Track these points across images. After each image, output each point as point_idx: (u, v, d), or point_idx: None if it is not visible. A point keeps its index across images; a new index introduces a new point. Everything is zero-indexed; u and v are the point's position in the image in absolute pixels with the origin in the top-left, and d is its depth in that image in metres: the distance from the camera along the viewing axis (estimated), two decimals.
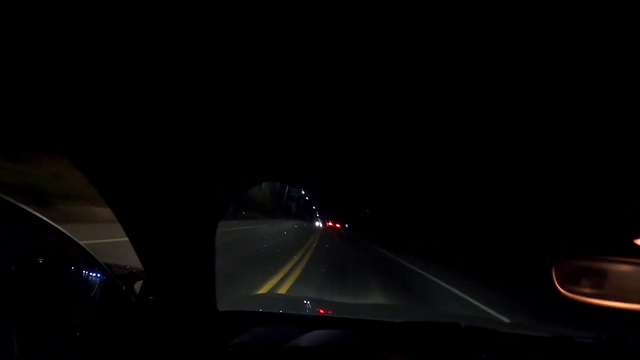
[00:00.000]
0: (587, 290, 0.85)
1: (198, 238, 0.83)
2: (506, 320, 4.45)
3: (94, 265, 0.95)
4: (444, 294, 6.51)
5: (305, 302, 1.42)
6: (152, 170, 0.74)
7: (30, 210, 0.80)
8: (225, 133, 0.72)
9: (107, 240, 3.64)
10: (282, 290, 4.42)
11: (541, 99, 0.62)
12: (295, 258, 7.63)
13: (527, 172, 0.86)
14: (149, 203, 0.77)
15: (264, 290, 4.15)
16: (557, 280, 0.84)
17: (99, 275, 0.95)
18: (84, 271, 0.96)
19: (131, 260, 0.97)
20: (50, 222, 0.85)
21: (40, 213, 0.83)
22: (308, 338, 0.95)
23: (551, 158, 0.81)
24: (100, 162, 0.74)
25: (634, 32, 0.44)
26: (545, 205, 0.87)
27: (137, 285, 0.94)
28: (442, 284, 7.53)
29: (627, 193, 0.82)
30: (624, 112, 0.61)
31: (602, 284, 0.84)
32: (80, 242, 0.92)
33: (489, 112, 0.68)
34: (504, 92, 0.62)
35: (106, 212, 1.03)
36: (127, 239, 0.86)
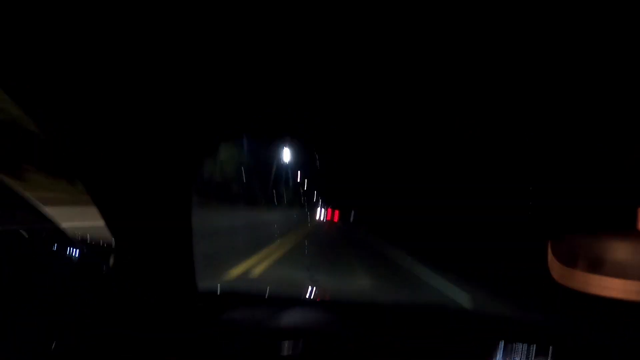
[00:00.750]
0: (585, 267, 0.81)
1: (169, 208, 0.78)
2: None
3: (67, 241, 0.91)
4: None
5: (291, 284, 1.40)
6: (108, 133, 0.70)
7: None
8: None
9: None
10: None
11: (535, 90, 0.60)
12: None
13: (530, 160, 0.82)
14: (110, 167, 0.73)
15: None
16: (555, 257, 0.79)
17: (72, 250, 0.91)
18: (57, 246, 0.92)
19: None
20: (26, 198, 0.82)
21: None
22: (291, 319, 0.92)
23: (552, 144, 0.77)
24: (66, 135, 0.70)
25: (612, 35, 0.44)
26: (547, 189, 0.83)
27: (113, 262, 0.90)
28: None
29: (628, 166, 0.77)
30: (622, 101, 0.59)
31: (603, 262, 0.80)
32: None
33: (485, 108, 0.66)
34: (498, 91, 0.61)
35: None
36: None
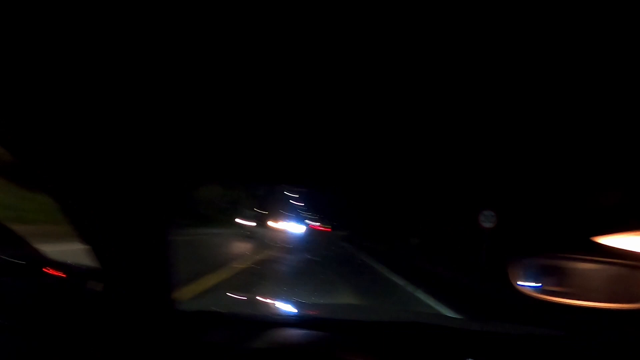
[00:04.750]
0: (548, 289, 0.84)
1: (147, 231, 0.81)
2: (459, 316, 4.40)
3: (48, 264, 0.93)
4: None
5: (271, 302, 1.40)
6: (92, 158, 0.72)
7: None
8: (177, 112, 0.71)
9: None
10: None
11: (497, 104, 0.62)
12: None
13: (488, 172, 0.86)
14: (92, 194, 0.75)
15: None
16: (514, 278, 0.83)
17: (52, 275, 0.93)
18: (37, 271, 0.94)
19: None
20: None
21: None
22: (272, 339, 0.93)
23: (509, 158, 0.81)
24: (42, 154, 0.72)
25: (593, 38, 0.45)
26: (506, 206, 0.87)
27: (92, 283, 0.91)
28: None
29: (585, 191, 0.82)
30: (583, 114, 0.61)
31: (563, 282, 0.84)
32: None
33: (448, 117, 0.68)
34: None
35: None
36: None
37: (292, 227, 20.81)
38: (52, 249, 1.09)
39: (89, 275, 0.96)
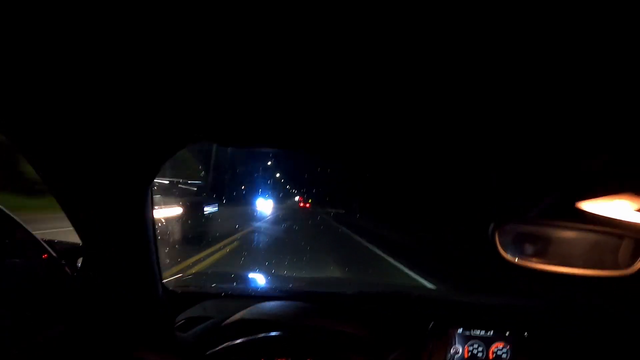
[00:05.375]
0: (530, 255, 0.85)
1: (129, 206, 0.81)
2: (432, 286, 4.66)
3: (33, 243, 0.93)
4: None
5: (256, 276, 1.42)
6: (70, 133, 0.71)
7: None
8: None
9: None
10: None
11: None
12: None
13: (470, 138, 0.84)
14: (73, 170, 0.74)
15: None
16: (500, 245, 0.83)
17: (38, 252, 0.93)
18: (24, 252, 0.94)
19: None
20: None
21: None
22: (255, 310, 0.95)
23: (492, 121, 0.80)
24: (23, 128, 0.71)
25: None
26: (489, 169, 0.86)
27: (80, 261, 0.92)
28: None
29: (569, 156, 0.81)
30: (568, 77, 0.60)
31: (545, 249, 0.84)
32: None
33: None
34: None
35: None
36: None
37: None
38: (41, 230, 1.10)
39: (73, 253, 0.96)
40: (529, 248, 0.84)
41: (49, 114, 0.68)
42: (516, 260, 0.84)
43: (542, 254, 0.84)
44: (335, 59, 0.56)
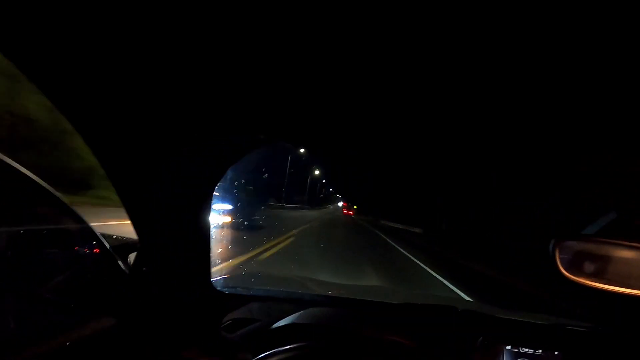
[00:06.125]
0: (589, 274, 0.83)
1: (192, 209, 0.81)
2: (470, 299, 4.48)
3: (89, 235, 0.94)
4: None
5: (301, 281, 1.41)
6: (144, 142, 0.73)
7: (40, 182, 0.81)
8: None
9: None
10: None
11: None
12: None
13: (536, 151, 0.84)
14: (143, 175, 0.76)
15: None
16: (559, 261, 0.82)
17: (94, 247, 0.94)
18: (80, 243, 0.95)
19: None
20: (55, 194, 0.85)
21: None
22: (303, 316, 0.94)
23: (558, 138, 0.80)
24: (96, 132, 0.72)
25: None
26: (552, 186, 0.86)
27: (132, 257, 0.93)
28: None
29: (630, 176, 0.80)
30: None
31: (604, 268, 0.83)
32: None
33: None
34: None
35: None
36: None
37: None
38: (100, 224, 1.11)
39: (125, 248, 0.97)
40: (588, 266, 0.83)
41: (124, 115, 0.70)
42: (575, 278, 0.82)
43: (601, 273, 0.83)
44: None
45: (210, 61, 0.63)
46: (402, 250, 10.52)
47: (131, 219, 0.83)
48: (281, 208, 25.33)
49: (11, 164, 0.75)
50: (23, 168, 0.75)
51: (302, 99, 0.73)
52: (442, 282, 6.04)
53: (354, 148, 0.95)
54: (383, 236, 15.26)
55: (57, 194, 0.83)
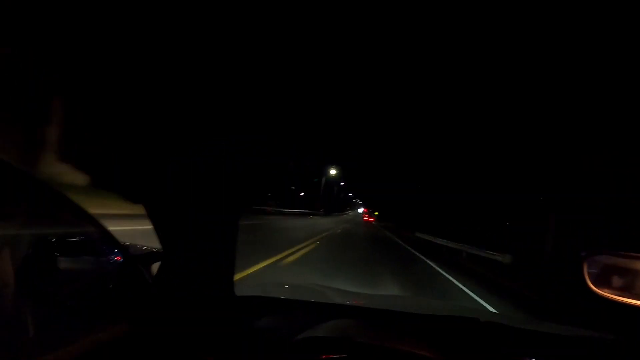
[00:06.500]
0: (618, 289, 0.82)
1: (220, 224, 0.81)
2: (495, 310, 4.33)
3: (113, 246, 0.94)
4: None
5: (322, 290, 1.41)
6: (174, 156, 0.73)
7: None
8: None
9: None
10: None
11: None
12: None
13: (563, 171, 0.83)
14: (167, 184, 0.76)
15: None
16: (588, 276, 0.81)
17: (117, 256, 0.94)
18: (103, 253, 0.95)
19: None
20: (77, 205, 0.85)
21: None
22: (327, 327, 0.93)
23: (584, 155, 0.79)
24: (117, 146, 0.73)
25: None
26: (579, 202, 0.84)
27: (155, 266, 0.93)
28: None
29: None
30: None
31: (634, 284, 0.82)
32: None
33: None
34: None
35: None
36: None
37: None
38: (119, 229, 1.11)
39: (149, 257, 0.97)
40: (617, 281, 0.82)
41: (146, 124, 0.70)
42: (603, 293, 0.81)
43: (630, 288, 0.81)
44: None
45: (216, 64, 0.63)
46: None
47: (155, 228, 0.83)
48: (281, 215, 19.62)
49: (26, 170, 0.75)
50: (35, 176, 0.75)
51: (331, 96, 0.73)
52: None
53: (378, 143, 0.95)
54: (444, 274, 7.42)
55: (74, 201, 0.84)
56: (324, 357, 0.85)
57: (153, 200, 0.78)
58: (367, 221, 36.91)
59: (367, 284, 4.89)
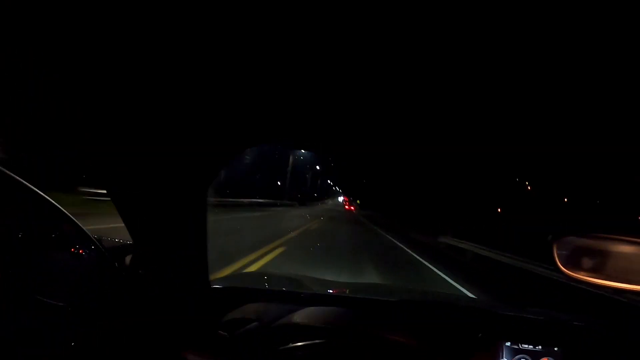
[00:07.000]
0: (588, 269, 0.83)
1: (186, 208, 0.81)
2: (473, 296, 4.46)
3: (85, 239, 0.93)
4: None
5: (300, 279, 1.41)
6: (134, 135, 0.72)
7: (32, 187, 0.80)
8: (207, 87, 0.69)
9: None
10: None
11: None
12: None
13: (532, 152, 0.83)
14: (133, 172, 0.75)
15: None
16: (558, 257, 0.81)
17: (89, 250, 0.93)
18: (75, 247, 0.94)
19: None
20: (48, 199, 0.84)
21: None
22: (302, 315, 0.94)
23: (557, 139, 0.79)
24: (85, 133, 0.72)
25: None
26: (550, 183, 0.85)
27: (129, 259, 0.92)
28: None
29: (630, 172, 0.79)
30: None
31: (604, 264, 0.82)
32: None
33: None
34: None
35: None
36: None
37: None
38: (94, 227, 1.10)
39: (121, 250, 0.96)
40: (587, 262, 0.82)
41: (115, 114, 0.69)
42: (573, 274, 0.82)
43: (600, 269, 0.82)
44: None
45: (199, 62, 0.62)
46: None
47: (124, 220, 0.83)
48: (235, 207, 13.95)
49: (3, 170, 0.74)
50: (12, 174, 0.74)
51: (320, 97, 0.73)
52: None
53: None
54: None
55: (49, 198, 0.83)
56: (300, 343, 0.86)
57: (116, 192, 0.78)
58: (349, 210, 36.16)
59: None
